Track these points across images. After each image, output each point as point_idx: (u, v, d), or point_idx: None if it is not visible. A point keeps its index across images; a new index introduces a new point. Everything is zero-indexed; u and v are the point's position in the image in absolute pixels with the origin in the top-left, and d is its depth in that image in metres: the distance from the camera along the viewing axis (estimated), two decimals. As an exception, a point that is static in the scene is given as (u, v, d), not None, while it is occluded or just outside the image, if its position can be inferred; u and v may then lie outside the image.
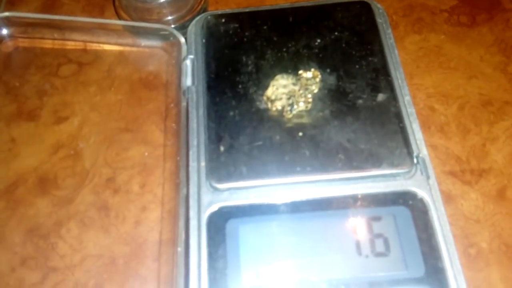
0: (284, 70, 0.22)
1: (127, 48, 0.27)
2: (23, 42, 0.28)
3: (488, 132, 0.24)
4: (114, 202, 0.23)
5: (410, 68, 0.26)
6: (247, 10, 0.25)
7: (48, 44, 0.28)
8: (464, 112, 0.24)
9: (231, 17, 0.24)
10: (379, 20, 0.24)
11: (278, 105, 0.21)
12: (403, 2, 0.29)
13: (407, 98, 0.22)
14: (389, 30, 0.24)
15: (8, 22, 0.26)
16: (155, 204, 0.22)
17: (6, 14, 0.25)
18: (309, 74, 0.21)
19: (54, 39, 0.28)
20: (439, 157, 0.23)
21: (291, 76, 0.22)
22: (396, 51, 0.23)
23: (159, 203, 0.22)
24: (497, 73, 0.26)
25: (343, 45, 0.23)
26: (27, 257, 0.21)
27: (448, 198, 0.22)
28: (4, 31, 0.27)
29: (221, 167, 0.20)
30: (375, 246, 0.18)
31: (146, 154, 0.24)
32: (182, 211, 0.20)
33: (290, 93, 0.21)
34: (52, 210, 0.23)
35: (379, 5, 0.25)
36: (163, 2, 0.26)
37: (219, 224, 0.19)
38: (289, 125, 0.21)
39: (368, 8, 0.24)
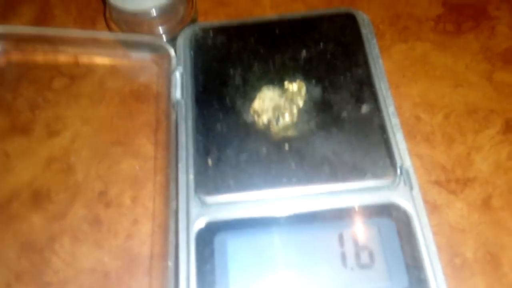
0: (271, 82, 0.22)
1: (118, 61, 0.28)
2: (16, 56, 0.28)
3: (473, 141, 0.24)
4: (106, 216, 0.23)
5: (396, 77, 0.26)
6: (234, 23, 0.25)
7: (40, 57, 0.28)
8: (449, 121, 0.25)
9: (219, 29, 0.25)
10: (364, 31, 0.24)
11: (265, 118, 0.21)
12: (390, 11, 0.29)
13: (391, 108, 0.22)
14: (374, 41, 0.24)
15: (0, 36, 0.26)
16: (146, 218, 0.23)
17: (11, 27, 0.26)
18: (294, 87, 0.22)
19: (46, 52, 0.28)
20: (425, 166, 0.24)
21: (277, 89, 0.22)
22: (380, 62, 0.24)
23: (150, 217, 0.23)
24: (483, 81, 0.26)
25: (328, 57, 0.23)
26: (22, 272, 0.22)
27: (433, 207, 0.22)
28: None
29: (209, 180, 0.20)
30: (360, 258, 0.19)
31: (137, 167, 0.24)
32: (172, 224, 0.20)
33: (276, 105, 0.21)
34: (46, 224, 0.23)
35: (364, 16, 0.25)
36: (153, 15, 0.26)
37: (208, 238, 0.19)
38: (276, 137, 0.21)
39: (353, 20, 0.24)
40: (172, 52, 0.25)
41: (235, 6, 0.30)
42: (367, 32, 0.24)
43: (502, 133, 0.24)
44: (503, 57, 0.27)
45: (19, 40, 0.28)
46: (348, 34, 0.24)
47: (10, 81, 0.28)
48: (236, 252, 0.19)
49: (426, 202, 0.21)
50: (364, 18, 0.25)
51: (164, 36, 0.27)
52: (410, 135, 0.24)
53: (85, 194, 0.24)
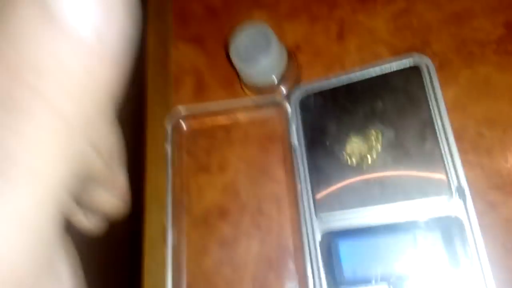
0: (356, 130, 0.32)
1: (255, 116, 0.41)
2: (194, 120, 0.43)
3: (527, 151, 0.30)
4: (264, 221, 0.37)
5: (463, 100, 0.33)
6: (326, 85, 0.35)
7: (207, 119, 0.42)
8: (507, 135, 0.31)
9: (316, 92, 0.35)
10: (428, 77, 0.32)
11: (354, 159, 0.32)
12: (457, 38, 0.35)
13: (451, 139, 0.30)
14: (437, 83, 0.32)
15: (184, 110, 0.41)
16: (286, 223, 0.36)
17: (182, 111, 0.41)
18: (373, 134, 0.32)
19: (210, 116, 0.42)
20: (486, 173, 0.31)
21: (361, 136, 0.32)
22: (442, 101, 0.31)
23: (290, 222, 0.36)
24: (540, 95, 0.31)
25: (398, 105, 0.32)
26: (220, 258, 0.38)
27: (491, 206, 0.30)
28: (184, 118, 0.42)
29: (322, 203, 0.32)
30: (428, 252, 0.29)
31: (277, 187, 0.38)
32: (303, 228, 0.33)
33: (362, 150, 0.32)
34: (230, 229, 0.38)
35: (428, 62, 0.32)
36: (271, 83, 0.38)
37: (326, 243, 0.31)
38: (363, 172, 0.31)
39: (418, 71, 0.32)
40: (288, 107, 0.37)
41: (326, 54, 0.40)
42: (430, 76, 0.32)
43: (556, 140, 0.30)
44: None
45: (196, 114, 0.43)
46: (414, 84, 0.32)
47: (193, 139, 0.43)
48: (345, 252, 0.31)
49: (486, 203, 0.29)
50: (428, 65, 0.32)
51: (283, 93, 0.39)
52: (473, 149, 0.32)
53: (249, 208, 0.38)
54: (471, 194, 0.29)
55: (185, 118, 0.42)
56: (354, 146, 0.32)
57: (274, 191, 0.38)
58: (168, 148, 0.40)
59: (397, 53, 0.36)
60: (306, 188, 0.33)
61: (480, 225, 0.28)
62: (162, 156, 0.44)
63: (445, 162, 0.29)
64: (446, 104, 0.31)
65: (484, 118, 0.32)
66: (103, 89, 0.13)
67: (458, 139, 0.31)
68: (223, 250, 0.38)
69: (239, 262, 0.37)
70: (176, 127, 0.42)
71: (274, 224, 0.37)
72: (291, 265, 0.35)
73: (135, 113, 0.47)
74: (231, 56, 0.37)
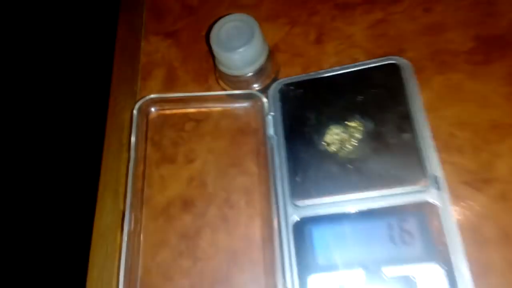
0: (336, 121, 0.32)
1: (228, 108, 0.39)
2: (161, 111, 0.41)
3: (495, 150, 0.32)
4: (232, 213, 0.35)
5: (435, 103, 0.35)
6: (307, 77, 0.35)
7: (176, 110, 0.41)
8: (477, 135, 0.33)
9: (297, 84, 0.35)
10: (406, 76, 0.33)
11: (333, 147, 0.31)
12: (431, 48, 0.37)
13: (427, 133, 0.31)
14: (414, 82, 0.33)
15: (153, 100, 0.39)
16: (256, 215, 0.34)
17: (152, 96, 0.39)
18: (353, 124, 0.32)
19: (180, 106, 0.41)
20: (457, 171, 0.32)
21: (341, 126, 0.32)
22: (419, 97, 0.32)
23: (260, 214, 0.34)
24: (506, 102, 0.33)
25: (378, 99, 0.32)
26: (181, 251, 0.35)
27: (462, 200, 0.31)
28: (152, 107, 0.40)
29: (298, 190, 0.31)
30: (403, 238, 0.28)
31: (248, 181, 0.36)
32: (275, 219, 0.31)
33: (341, 139, 0.31)
34: (193, 221, 0.35)
35: (406, 62, 0.34)
36: (250, 75, 0.37)
37: (300, 229, 0.30)
38: (342, 160, 0.31)
39: (396, 68, 0.33)
40: (264, 100, 0.36)
41: (304, 55, 0.40)
42: (408, 76, 0.33)
43: (521, 142, 0.31)
44: (526, 79, 0.34)
45: (163, 101, 0.41)
46: (393, 80, 0.33)
47: (159, 127, 0.41)
48: (319, 237, 0.29)
49: (456, 196, 0.29)
50: (406, 64, 0.33)
51: (257, 88, 0.38)
52: (445, 148, 0.33)
53: (216, 200, 0.36)
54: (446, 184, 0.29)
55: (152, 106, 0.40)
56: (333, 136, 0.32)
57: (244, 184, 0.36)
58: (133, 137, 0.38)
59: (374, 58, 0.37)
60: (282, 177, 0.32)
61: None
62: (122, 145, 0.41)
63: (422, 153, 0.30)
64: (423, 107, 0.32)
65: (455, 120, 0.34)
66: None
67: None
68: (184, 242, 0.35)
69: (200, 255, 0.34)
70: (142, 116, 0.40)
71: (243, 217, 0.35)
72: (258, 257, 0.32)
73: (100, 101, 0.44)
74: (211, 43, 0.36)
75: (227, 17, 0.37)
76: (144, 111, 0.40)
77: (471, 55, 0.36)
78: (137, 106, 0.38)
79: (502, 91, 0.34)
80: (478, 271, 0.28)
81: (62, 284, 0.35)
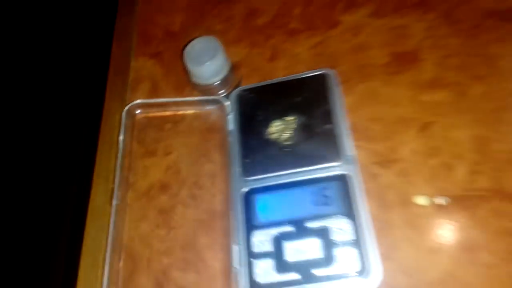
0: (277, 117, 0.42)
1: (199, 111, 0.49)
2: (145, 114, 0.51)
3: (400, 138, 0.41)
4: (200, 192, 0.44)
5: (357, 104, 0.44)
6: (258, 85, 0.45)
7: (157, 113, 0.50)
8: (387, 127, 0.42)
9: (251, 90, 0.45)
10: (332, 83, 0.43)
11: (274, 136, 0.41)
12: (357, 63, 0.47)
13: (345, 125, 0.40)
14: (338, 87, 0.43)
15: (139, 105, 0.49)
16: (219, 193, 0.43)
17: (138, 101, 0.48)
18: (290, 119, 0.41)
19: (160, 111, 0.50)
20: (370, 154, 0.41)
21: (281, 120, 0.42)
22: (341, 99, 0.42)
23: (221, 192, 0.43)
24: (410, 103, 0.43)
25: (309, 101, 0.42)
26: (159, 224, 0.43)
27: (373, 176, 0.40)
28: (137, 110, 0.50)
29: (248, 169, 0.40)
30: (325, 201, 0.37)
31: (213, 167, 0.45)
32: (231, 193, 0.40)
33: (280, 129, 0.41)
34: (169, 200, 0.44)
35: (333, 72, 0.44)
36: (216, 84, 0.47)
37: (248, 197, 0.39)
38: (280, 145, 0.40)
39: (325, 77, 0.43)
40: (227, 103, 0.46)
41: (261, 70, 0.50)
42: (333, 83, 0.43)
43: (419, 131, 0.41)
44: (427, 85, 0.44)
45: (148, 106, 0.51)
46: (322, 86, 0.43)
47: (143, 128, 0.50)
48: (261, 203, 0.38)
49: (368, 173, 0.39)
50: (333, 74, 0.43)
51: (223, 94, 0.48)
52: (363, 137, 0.42)
53: (187, 183, 0.45)
54: (359, 163, 0.39)
55: (138, 110, 0.50)
56: (275, 128, 0.41)
57: (210, 169, 0.45)
58: (121, 135, 0.47)
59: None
60: (236, 160, 0.41)
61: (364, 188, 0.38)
62: (113, 141, 0.50)
63: (340, 139, 0.39)
64: (344, 106, 0.42)
65: (371, 116, 0.43)
66: None
67: (352, 130, 0.41)
68: (161, 216, 0.44)
69: (174, 225, 0.43)
70: (129, 118, 0.49)
71: (208, 195, 0.44)
72: (218, 224, 0.41)
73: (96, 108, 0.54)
74: (184, 60, 0.46)
75: (197, 39, 0.47)
76: (131, 114, 0.49)
77: (386, 68, 0.46)
78: (125, 109, 0.48)
79: (408, 94, 0.44)
80: (381, 226, 0.37)
81: (61, 252, 0.43)
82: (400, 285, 0.35)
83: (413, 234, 0.37)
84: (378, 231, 0.36)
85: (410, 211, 0.38)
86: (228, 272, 0.39)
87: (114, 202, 0.43)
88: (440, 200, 0.37)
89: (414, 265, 0.36)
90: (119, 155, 0.46)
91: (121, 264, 0.42)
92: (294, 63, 0.50)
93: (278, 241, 0.36)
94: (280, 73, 0.49)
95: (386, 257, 0.35)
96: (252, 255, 0.36)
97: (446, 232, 0.36)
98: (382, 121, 0.43)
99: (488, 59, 0.43)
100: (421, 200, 0.37)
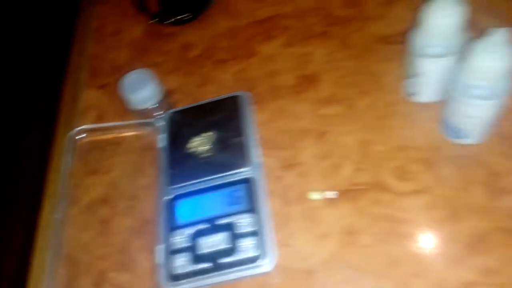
0: (198, 134, 0.49)
1: (136, 132, 0.56)
2: (90, 138, 0.57)
3: (299, 146, 0.49)
4: (135, 203, 0.50)
5: (268, 120, 0.52)
6: (185, 108, 0.52)
7: (100, 137, 0.57)
8: (291, 137, 0.50)
9: (179, 112, 0.52)
10: (245, 103, 0.50)
11: (195, 149, 0.48)
12: (270, 85, 0.55)
13: (255, 138, 0.48)
14: (251, 107, 0.50)
15: (84, 130, 0.56)
16: (152, 202, 0.49)
17: (84, 126, 0.55)
18: (208, 134, 0.48)
19: (103, 135, 0.57)
20: (277, 160, 0.48)
21: (200, 136, 0.49)
22: (252, 116, 0.49)
23: (154, 201, 0.49)
24: (311, 116, 0.51)
25: (225, 119, 0.49)
26: (99, 232, 0.49)
27: (278, 177, 0.47)
28: (83, 134, 0.57)
29: (173, 179, 0.47)
30: (235, 199, 0.44)
31: (148, 180, 0.51)
32: (160, 199, 0.47)
33: (200, 144, 0.48)
34: (109, 212, 0.50)
35: (246, 94, 0.51)
36: (152, 108, 0.54)
37: (170, 203, 0.45)
38: (199, 157, 0.47)
39: (239, 98, 0.51)
40: (159, 125, 0.53)
41: (193, 94, 0.58)
42: (246, 103, 0.50)
43: (316, 139, 0.49)
44: (324, 101, 0.51)
45: (92, 130, 0.57)
46: (236, 106, 0.50)
47: (89, 150, 0.57)
48: (180, 207, 0.45)
49: (275, 175, 0.46)
50: (246, 96, 0.51)
51: (159, 116, 0.55)
52: (271, 146, 0.49)
53: (124, 196, 0.51)
54: (267, 171, 0.46)
55: (83, 134, 0.57)
56: (195, 143, 0.48)
57: (145, 183, 0.52)
58: (66, 158, 0.54)
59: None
60: (165, 172, 0.48)
61: (270, 189, 0.45)
62: (62, 164, 0.56)
63: (249, 149, 0.46)
64: (258, 122, 0.50)
65: (279, 129, 0.51)
66: None
67: (263, 141, 0.49)
68: (101, 226, 0.50)
69: (112, 232, 0.49)
70: (75, 141, 0.56)
71: (142, 205, 0.50)
72: (149, 230, 0.47)
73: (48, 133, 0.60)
74: (120, 89, 0.53)
75: (132, 71, 0.54)
76: (76, 138, 0.56)
77: (294, 88, 0.54)
78: (72, 133, 0.55)
79: (309, 109, 0.51)
80: (281, 219, 0.44)
81: (11, 265, 0.49)
82: (295, 267, 0.42)
83: (307, 224, 0.43)
84: (279, 223, 0.43)
85: (306, 205, 0.45)
86: (155, 269, 0.45)
87: (57, 215, 0.48)
88: (330, 194, 0.44)
89: (307, 250, 0.42)
90: (63, 174, 0.53)
91: (63, 270, 0.47)
92: (221, 88, 0.57)
93: (193, 238, 0.43)
94: (209, 97, 0.57)
95: (283, 244, 0.42)
96: (172, 252, 0.42)
97: (334, 220, 0.43)
98: (288, 133, 0.50)
99: (373, 77, 0.51)
100: (315, 195, 0.45)
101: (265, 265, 0.40)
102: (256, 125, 0.50)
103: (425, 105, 0.48)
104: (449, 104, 0.42)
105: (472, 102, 0.38)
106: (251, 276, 0.41)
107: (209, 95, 0.57)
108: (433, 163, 0.44)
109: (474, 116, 0.40)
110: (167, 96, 0.56)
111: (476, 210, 0.41)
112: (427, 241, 0.40)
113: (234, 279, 0.41)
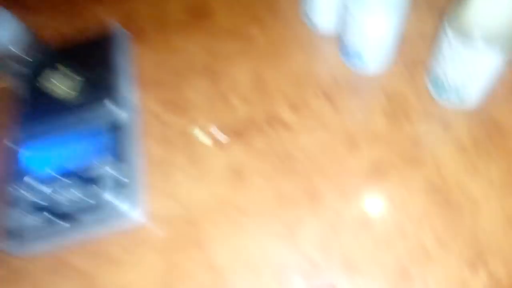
0: (62, 75, 0.41)
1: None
2: None
3: (187, 84, 0.42)
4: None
5: (148, 57, 0.45)
6: (46, 47, 0.44)
7: None
8: (174, 77, 0.43)
9: (41, 52, 0.44)
10: (120, 39, 0.43)
11: (56, 92, 0.40)
12: (153, 17, 0.48)
13: (129, 78, 0.41)
14: (126, 44, 0.43)
15: None
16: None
17: None
18: (73, 75, 0.41)
19: None
20: (157, 99, 0.42)
21: (65, 78, 0.41)
22: (127, 55, 0.42)
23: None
24: (200, 49, 0.45)
25: (95, 59, 0.42)
26: None
27: (158, 119, 0.40)
28: None
29: (26, 125, 0.38)
30: (100, 146, 0.37)
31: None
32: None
33: (63, 85, 0.40)
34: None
35: (121, 29, 0.44)
36: (12, 50, 0.45)
37: (21, 152, 0.37)
38: (62, 99, 0.39)
39: (113, 34, 0.43)
40: (18, 68, 0.44)
41: (61, 31, 0.49)
42: (121, 40, 0.43)
43: (206, 76, 0.43)
44: (217, 33, 0.46)
45: None
46: (110, 43, 0.43)
47: None
48: (35, 157, 0.37)
49: (154, 118, 0.39)
50: (122, 31, 0.44)
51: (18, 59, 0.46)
52: (150, 85, 0.43)
53: None
54: (145, 114, 0.39)
55: None
56: (57, 85, 0.40)
57: None
58: None
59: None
60: (20, 119, 0.39)
61: (148, 132, 0.39)
62: None
63: (122, 89, 0.39)
64: (139, 60, 0.43)
65: (165, 67, 0.44)
66: None
67: (142, 81, 0.42)
68: None
69: None
70: None
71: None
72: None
73: None
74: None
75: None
76: None
77: (182, 22, 0.47)
78: None
79: (200, 43, 0.45)
80: (161, 166, 0.38)
81: None
82: (174, 216, 0.35)
83: (191, 168, 0.38)
84: (158, 170, 0.37)
85: (190, 149, 0.39)
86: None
87: None
88: (218, 135, 0.39)
89: (189, 197, 0.36)
90: None
91: None
92: (95, 23, 0.48)
93: (49, 192, 0.35)
94: (81, 34, 0.48)
95: (162, 192, 0.36)
96: (21, 209, 0.35)
97: (221, 163, 0.38)
98: (173, 71, 0.44)
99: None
100: (201, 136, 0.39)
101: (136, 216, 0.34)
102: (134, 63, 0.43)
103: (325, 36, 0.44)
104: (347, 23, 0.37)
105: (369, 17, 0.34)
106: (122, 231, 0.34)
107: (81, 32, 0.48)
108: (334, 94, 0.40)
109: (372, 36, 0.36)
110: (30, 36, 0.47)
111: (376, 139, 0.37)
112: (323, 177, 0.36)
113: (99, 236, 0.34)
